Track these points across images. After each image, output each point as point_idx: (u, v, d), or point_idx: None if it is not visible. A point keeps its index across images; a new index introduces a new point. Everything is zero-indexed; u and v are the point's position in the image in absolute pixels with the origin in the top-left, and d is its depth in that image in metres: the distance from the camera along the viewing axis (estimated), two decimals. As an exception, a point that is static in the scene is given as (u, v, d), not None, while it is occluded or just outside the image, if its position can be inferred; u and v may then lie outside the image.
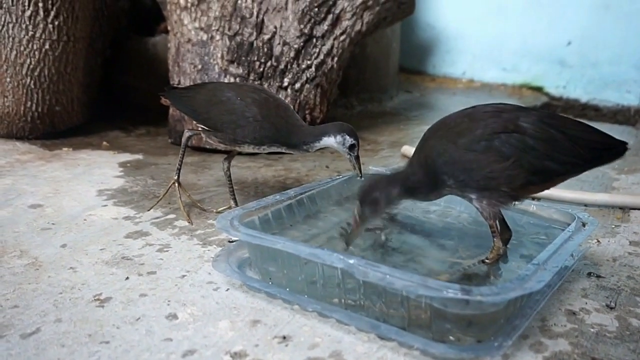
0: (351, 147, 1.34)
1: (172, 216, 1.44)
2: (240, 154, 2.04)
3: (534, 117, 1.00)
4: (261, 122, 1.34)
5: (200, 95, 1.44)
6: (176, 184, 1.48)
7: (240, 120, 1.34)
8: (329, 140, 1.34)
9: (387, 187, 1.04)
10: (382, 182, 1.04)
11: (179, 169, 1.49)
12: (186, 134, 1.49)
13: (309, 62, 2.06)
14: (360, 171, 1.36)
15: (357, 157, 1.36)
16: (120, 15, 2.59)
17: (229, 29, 2.02)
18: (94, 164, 1.91)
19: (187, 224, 1.40)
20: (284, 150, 1.40)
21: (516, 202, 1.05)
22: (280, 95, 2.05)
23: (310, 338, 0.91)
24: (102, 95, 2.56)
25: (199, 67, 2.07)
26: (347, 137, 1.33)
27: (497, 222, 1.04)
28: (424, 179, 1.04)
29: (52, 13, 2.06)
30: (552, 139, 0.98)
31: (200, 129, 1.43)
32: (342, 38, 2.09)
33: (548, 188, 1.05)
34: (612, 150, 1.03)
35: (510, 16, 3.61)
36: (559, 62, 3.49)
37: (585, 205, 1.58)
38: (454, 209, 1.34)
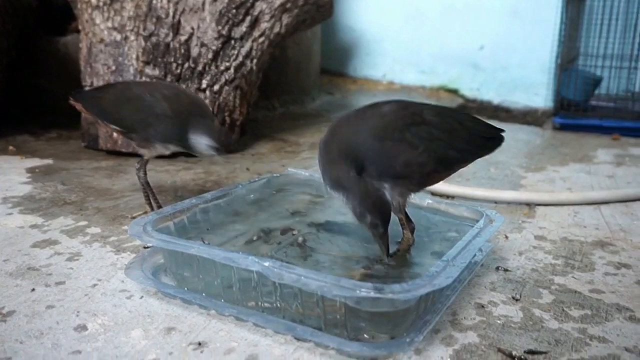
0: (210, 149, 1.31)
1: (83, 223, 1.39)
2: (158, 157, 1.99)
3: (435, 109, 1.08)
4: (171, 118, 1.29)
5: (109, 94, 1.38)
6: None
7: (151, 117, 1.30)
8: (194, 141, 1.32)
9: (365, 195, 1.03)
10: (372, 193, 1.03)
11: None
12: (139, 172, 1.41)
13: (227, 64, 2.04)
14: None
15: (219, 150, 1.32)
16: (27, 13, 2.46)
17: (144, 30, 1.97)
18: (-1, 170, 1.81)
19: (100, 230, 1.34)
20: (188, 151, 1.36)
21: (420, 190, 1.11)
22: (198, 97, 2.02)
23: (227, 343, 0.90)
24: (9, 98, 2.42)
25: (113, 68, 2.00)
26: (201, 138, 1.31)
27: (403, 214, 1.08)
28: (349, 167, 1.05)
29: (-50, 9, 1.93)
30: (452, 129, 1.06)
31: (115, 131, 1.37)
32: (260, 40, 2.09)
33: (448, 176, 1.13)
34: (495, 139, 1.13)
35: (428, 21, 3.73)
36: (473, 65, 3.64)
37: (496, 202, 1.66)
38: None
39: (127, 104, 1.33)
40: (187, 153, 2.04)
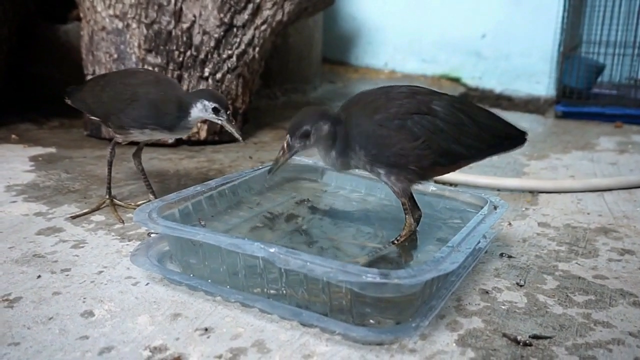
0: (215, 111, 1.26)
1: (88, 210, 1.39)
2: (155, 145, 1.99)
3: (446, 101, 1.04)
4: (138, 101, 1.27)
5: (86, 86, 1.41)
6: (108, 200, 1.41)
7: (120, 103, 1.29)
8: (195, 112, 1.27)
9: (319, 121, 1.04)
10: (314, 115, 1.05)
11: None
12: (109, 154, 1.40)
13: (229, 52, 2.03)
14: (239, 135, 1.30)
15: (229, 120, 1.28)
16: (28, 1, 2.45)
17: (146, 17, 1.96)
18: (2, 158, 1.81)
19: (104, 218, 1.35)
20: (167, 135, 1.34)
21: (422, 181, 1.09)
22: (201, 86, 2.01)
23: (233, 328, 0.91)
24: (11, 86, 2.41)
25: (115, 56, 1.99)
26: (207, 102, 1.26)
27: (408, 200, 1.07)
28: (344, 134, 1.05)
29: (-50, -3, 1.92)
30: (460, 123, 1.02)
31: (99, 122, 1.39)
32: (263, 28, 2.08)
33: (454, 170, 1.10)
34: (514, 139, 1.09)
35: (429, 9, 3.71)
36: (475, 54, 3.63)
37: (499, 189, 1.66)
38: (375, 197, 1.37)
39: (102, 94, 1.34)
40: (190, 141, 2.04)
